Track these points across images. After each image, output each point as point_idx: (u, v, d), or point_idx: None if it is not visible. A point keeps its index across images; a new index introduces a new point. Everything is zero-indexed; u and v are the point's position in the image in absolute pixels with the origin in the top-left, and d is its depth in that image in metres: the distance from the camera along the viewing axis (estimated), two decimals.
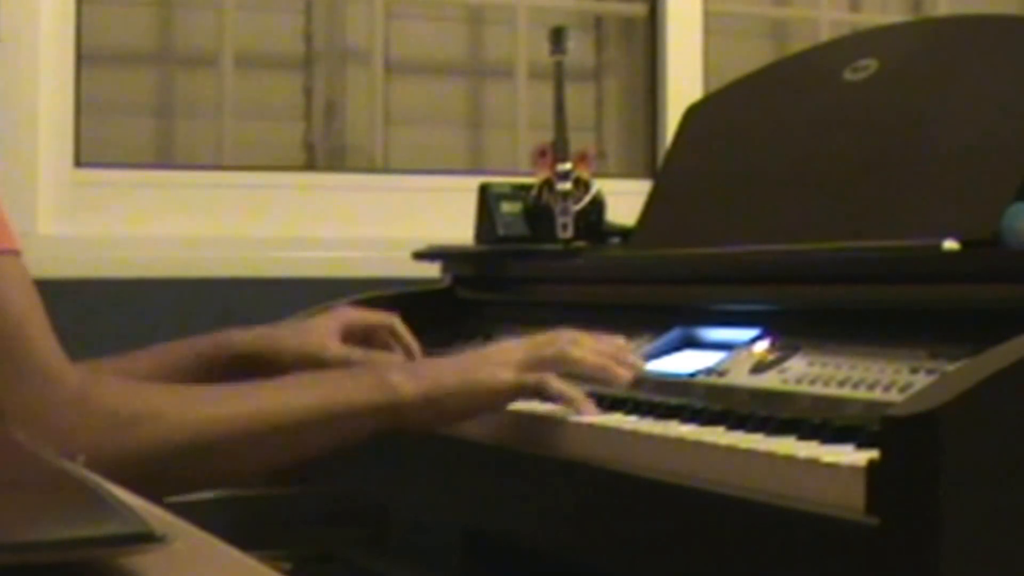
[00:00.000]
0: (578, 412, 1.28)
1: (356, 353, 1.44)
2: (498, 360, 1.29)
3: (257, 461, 1.21)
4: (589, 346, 1.32)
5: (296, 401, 1.21)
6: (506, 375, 1.27)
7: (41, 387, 1.09)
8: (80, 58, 2.24)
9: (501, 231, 1.78)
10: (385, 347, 1.50)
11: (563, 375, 1.31)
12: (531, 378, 1.28)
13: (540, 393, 1.29)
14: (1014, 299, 1.11)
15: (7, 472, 0.77)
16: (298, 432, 1.20)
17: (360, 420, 1.23)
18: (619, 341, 1.38)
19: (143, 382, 1.22)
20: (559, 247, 1.69)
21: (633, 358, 1.35)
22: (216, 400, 1.19)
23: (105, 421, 1.10)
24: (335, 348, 1.44)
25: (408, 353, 1.49)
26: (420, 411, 1.24)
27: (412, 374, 1.26)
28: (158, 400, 1.16)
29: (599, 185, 1.74)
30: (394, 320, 1.51)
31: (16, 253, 1.11)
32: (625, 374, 1.32)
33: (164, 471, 1.13)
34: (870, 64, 1.49)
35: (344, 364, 1.41)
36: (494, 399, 1.28)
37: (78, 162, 2.24)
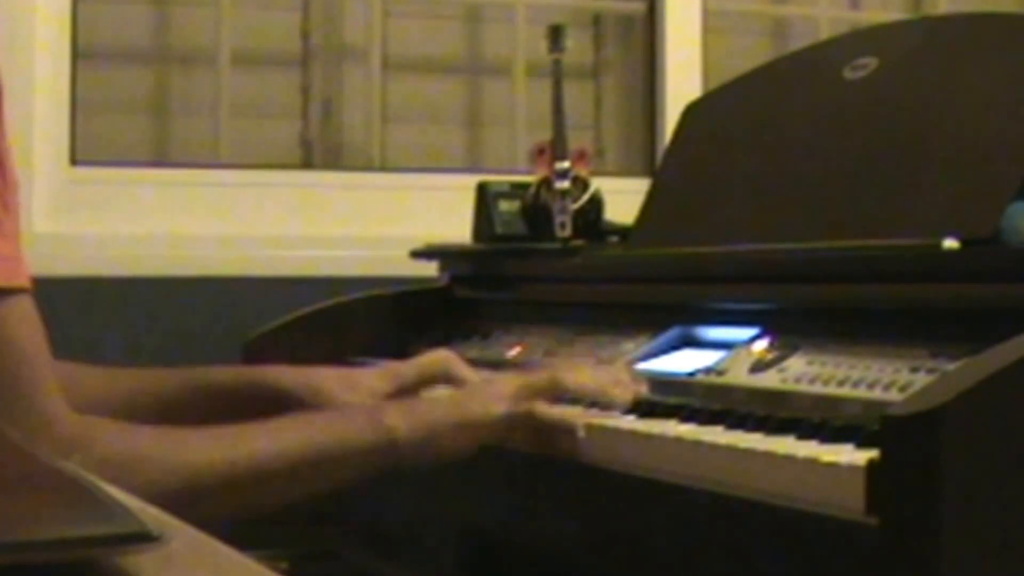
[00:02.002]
0: (571, 432, 1.26)
1: None
2: (491, 394, 1.28)
3: (250, 504, 1.20)
4: (585, 372, 1.32)
5: (289, 444, 1.20)
6: (499, 408, 1.27)
7: (33, 430, 1.08)
8: (76, 55, 2.23)
9: (499, 230, 1.77)
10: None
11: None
12: (520, 407, 1.27)
13: (530, 421, 1.27)
14: (1014, 298, 1.11)
15: (4, 473, 0.76)
16: (291, 475, 1.20)
17: (355, 462, 1.22)
18: (619, 368, 1.35)
19: (135, 425, 1.20)
20: (557, 246, 1.69)
21: (632, 380, 1.32)
22: (208, 444, 1.17)
23: (97, 465, 1.09)
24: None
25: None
26: (415, 450, 1.24)
27: (406, 414, 1.25)
28: (149, 446, 1.15)
29: (597, 184, 1.74)
30: (449, 358, 1.45)
31: (27, 291, 1.10)
32: (623, 395, 1.29)
33: None
34: (870, 62, 1.49)
35: None
36: (488, 433, 1.27)
37: (74, 160, 2.23)
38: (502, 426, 1.27)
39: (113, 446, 1.12)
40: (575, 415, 1.27)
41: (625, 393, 1.29)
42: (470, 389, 1.34)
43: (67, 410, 1.11)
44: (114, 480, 1.09)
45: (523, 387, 1.28)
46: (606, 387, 1.30)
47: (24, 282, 1.10)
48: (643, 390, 1.31)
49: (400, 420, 1.23)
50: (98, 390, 1.35)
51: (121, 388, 1.38)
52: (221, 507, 1.17)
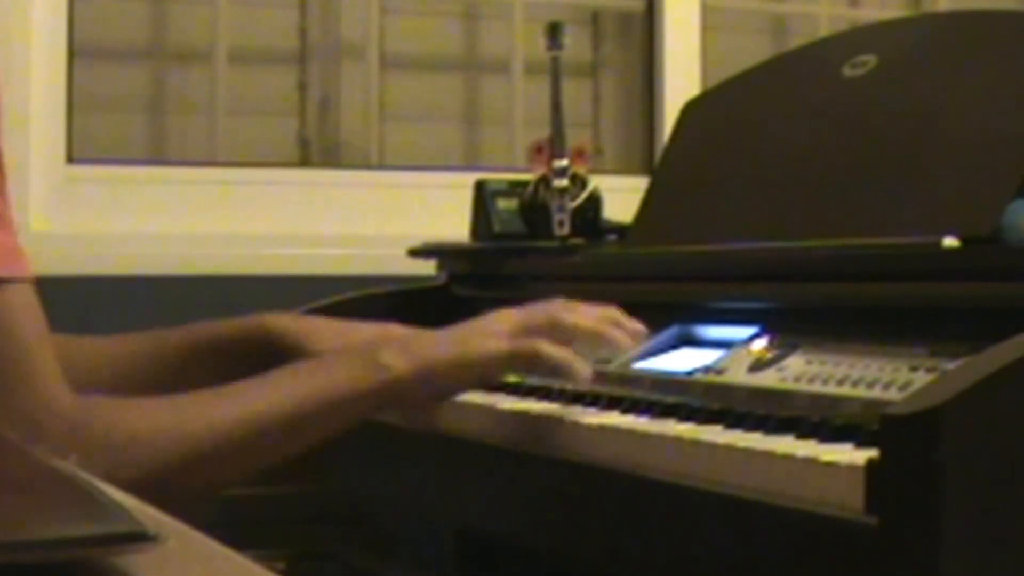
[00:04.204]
0: (574, 376, 1.25)
1: None
2: (489, 330, 1.27)
3: (259, 459, 1.20)
4: (584, 311, 1.29)
5: (289, 395, 1.20)
6: (498, 344, 1.25)
7: (36, 412, 1.08)
8: (72, 53, 2.23)
9: (497, 228, 1.77)
10: None
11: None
12: (524, 345, 1.25)
13: (534, 360, 1.25)
14: (1014, 297, 1.11)
15: (1, 472, 0.76)
16: (296, 425, 1.19)
17: (356, 403, 1.22)
18: (615, 310, 1.33)
19: (131, 401, 1.20)
20: (555, 244, 1.68)
21: (632, 323, 1.30)
22: (203, 409, 1.17)
23: (101, 444, 1.09)
24: None
25: None
26: (414, 387, 1.23)
27: (403, 351, 1.24)
28: (152, 416, 1.15)
29: (596, 182, 1.74)
30: None
31: (27, 280, 1.10)
32: (623, 338, 1.28)
33: (165, 487, 1.11)
34: (869, 60, 1.49)
35: None
36: (487, 369, 1.26)
37: (70, 158, 2.23)
38: (503, 363, 1.26)
39: (115, 423, 1.12)
40: (580, 357, 1.25)
41: (624, 336, 1.28)
42: (468, 325, 1.31)
43: (68, 396, 1.11)
44: (119, 457, 1.09)
45: (521, 324, 1.27)
46: (604, 328, 1.28)
47: (24, 272, 1.10)
48: (642, 330, 1.30)
49: (396, 357, 1.22)
50: (97, 360, 1.35)
51: (121, 355, 1.38)
52: (226, 469, 1.17)
